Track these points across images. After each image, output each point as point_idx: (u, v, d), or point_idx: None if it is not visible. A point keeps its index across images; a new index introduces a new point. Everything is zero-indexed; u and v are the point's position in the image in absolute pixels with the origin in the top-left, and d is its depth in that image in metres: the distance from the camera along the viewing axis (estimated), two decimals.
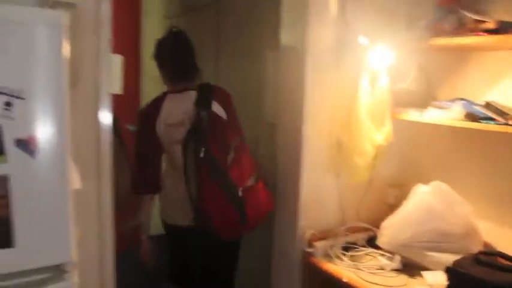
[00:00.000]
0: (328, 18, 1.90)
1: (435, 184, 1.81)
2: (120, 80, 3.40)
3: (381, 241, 1.83)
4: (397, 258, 1.76)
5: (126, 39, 3.39)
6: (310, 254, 1.89)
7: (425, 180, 1.86)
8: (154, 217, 2.10)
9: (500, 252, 1.58)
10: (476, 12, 1.70)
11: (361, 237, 1.98)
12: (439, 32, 1.74)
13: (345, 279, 1.70)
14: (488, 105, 1.63)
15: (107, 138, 1.58)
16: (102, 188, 1.56)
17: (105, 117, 1.58)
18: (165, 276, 2.17)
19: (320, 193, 1.99)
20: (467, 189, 1.84)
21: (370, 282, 1.65)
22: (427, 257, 1.70)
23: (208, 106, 1.89)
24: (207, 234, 1.86)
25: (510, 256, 1.53)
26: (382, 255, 1.84)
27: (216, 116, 1.91)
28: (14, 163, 1.08)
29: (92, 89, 1.56)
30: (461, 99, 1.78)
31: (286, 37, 2.02)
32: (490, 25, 1.61)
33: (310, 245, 1.90)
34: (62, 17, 1.14)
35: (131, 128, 2.24)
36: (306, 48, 1.88)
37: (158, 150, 1.99)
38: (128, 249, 1.97)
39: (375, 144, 1.91)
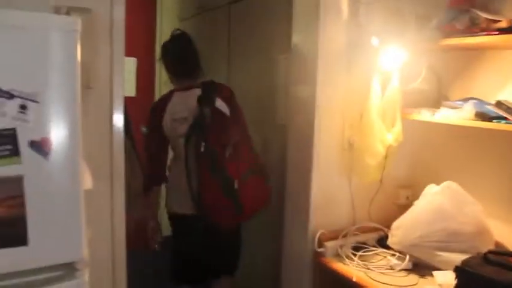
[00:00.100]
0: (341, 21, 1.92)
1: (446, 184, 1.80)
2: (134, 82, 3.48)
3: (391, 241, 1.83)
4: (407, 258, 1.76)
5: (141, 41, 3.46)
6: (321, 254, 1.90)
7: (437, 181, 1.85)
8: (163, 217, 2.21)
9: (510, 252, 1.56)
10: (489, 12, 1.68)
11: (371, 237, 1.98)
12: (450, 32, 1.73)
13: (354, 279, 1.70)
14: (499, 104, 1.61)
15: (120, 140, 1.62)
16: (115, 188, 1.60)
17: (119, 120, 1.62)
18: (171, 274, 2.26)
19: (331, 193, 2.00)
20: (479, 189, 1.83)
21: (380, 282, 1.66)
22: (438, 257, 1.70)
23: (212, 103, 2.00)
24: (206, 222, 2.01)
25: None
26: (393, 255, 1.84)
27: (219, 113, 2.02)
28: (28, 164, 1.12)
29: (106, 91, 1.60)
30: (473, 98, 1.77)
31: (297, 39, 2.04)
32: (503, 24, 1.59)
33: (320, 245, 1.91)
34: (76, 23, 1.17)
35: (144, 129, 2.32)
36: (317, 50, 1.89)
37: (164, 143, 2.16)
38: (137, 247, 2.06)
39: (385, 145, 1.92)
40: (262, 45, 2.52)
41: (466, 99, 1.78)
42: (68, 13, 1.46)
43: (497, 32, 1.58)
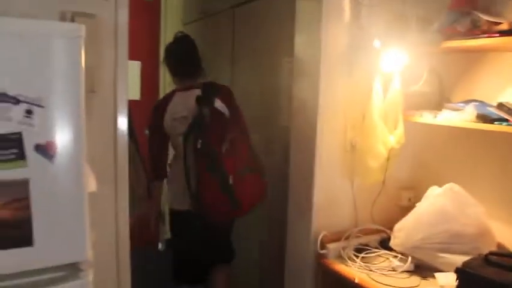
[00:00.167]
0: (343, 23, 1.93)
1: (448, 186, 1.81)
2: (139, 85, 3.50)
3: (393, 243, 1.84)
4: (409, 259, 1.77)
5: (145, 45, 3.49)
6: (323, 256, 1.91)
7: (439, 182, 1.86)
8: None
9: (511, 253, 1.56)
10: (490, 14, 1.69)
11: (373, 238, 1.99)
12: (451, 35, 1.74)
13: (356, 280, 1.71)
14: (501, 106, 1.62)
15: (124, 143, 1.64)
16: (119, 191, 1.62)
17: (123, 123, 1.64)
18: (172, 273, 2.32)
19: (333, 195, 2.01)
20: (481, 190, 1.83)
21: (382, 284, 1.66)
22: (440, 259, 1.70)
23: (211, 103, 2.08)
24: (205, 219, 2.09)
25: None
26: (395, 256, 1.84)
27: (218, 112, 2.10)
28: (34, 167, 1.14)
29: (110, 95, 1.62)
30: (475, 100, 1.78)
31: (300, 42, 2.05)
32: (504, 26, 1.60)
33: (322, 246, 1.92)
34: (80, 29, 1.20)
35: (147, 131, 2.38)
36: (320, 53, 1.90)
37: (165, 141, 2.27)
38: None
39: (387, 147, 1.93)
40: (266, 48, 2.54)
41: (467, 101, 1.79)
42: (73, 18, 1.49)
43: (498, 35, 1.59)
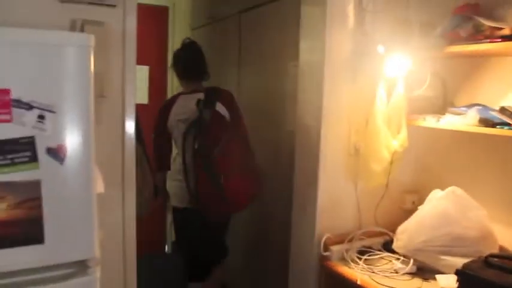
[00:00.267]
0: (347, 29, 1.96)
1: (450, 189, 1.82)
2: (147, 90, 3.55)
3: (396, 245, 1.86)
4: (411, 262, 1.79)
5: (153, 50, 3.55)
6: (326, 258, 1.93)
7: (441, 186, 1.88)
8: None
9: (511, 255, 1.58)
10: (493, 19, 1.71)
11: (377, 241, 2.01)
12: (454, 40, 1.76)
13: (358, 282, 1.73)
14: (503, 110, 1.63)
15: (131, 146, 1.69)
16: (126, 193, 1.67)
17: (130, 127, 1.68)
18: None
19: (337, 198, 2.03)
20: (483, 194, 1.84)
21: (384, 285, 1.69)
22: (442, 261, 1.72)
23: (213, 106, 2.20)
24: (203, 217, 2.21)
25: None
26: (397, 259, 1.86)
27: (219, 115, 2.22)
28: (45, 169, 1.20)
29: (118, 100, 1.66)
30: (478, 104, 1.80)
31: (305, 47, 2.08)
32: (506, 31, 1.61)
33: (326, 248, 1.94)
34: (89, 39, 1.26)
35: (154, 132, 2.49)
36: (324, 58, 1.93)
37: (169, 141, 2.40)
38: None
39: (391, 150, 1.95)
40: (272, 53, 2.57)
41: (470, 106, 1.80)
42: (82, 26, 1.55)
43: (500, 40, 1.60)
